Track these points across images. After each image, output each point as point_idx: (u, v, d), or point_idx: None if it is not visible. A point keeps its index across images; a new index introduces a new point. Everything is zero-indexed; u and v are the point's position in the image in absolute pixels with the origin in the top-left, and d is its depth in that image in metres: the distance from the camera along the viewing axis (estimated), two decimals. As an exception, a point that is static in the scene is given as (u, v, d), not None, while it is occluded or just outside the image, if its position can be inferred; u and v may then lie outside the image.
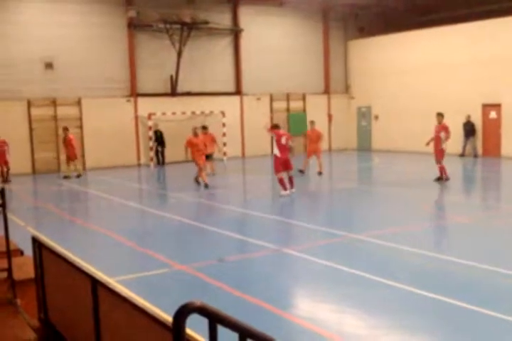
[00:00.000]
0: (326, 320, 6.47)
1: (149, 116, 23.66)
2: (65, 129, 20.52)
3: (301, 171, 19.32)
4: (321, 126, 21.43)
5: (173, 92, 24.78)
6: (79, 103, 22.98)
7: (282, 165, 14.78)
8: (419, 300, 6.93)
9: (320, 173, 19.19)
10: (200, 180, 17.01)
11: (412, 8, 27.82)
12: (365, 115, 29.42)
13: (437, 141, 16.73)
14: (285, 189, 14.88)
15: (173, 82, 24.58)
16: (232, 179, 20.41)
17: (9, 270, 5.15)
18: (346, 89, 30.13)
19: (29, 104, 22.04)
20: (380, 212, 13.22)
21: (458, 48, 24.56)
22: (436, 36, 25.40)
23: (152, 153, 23.94)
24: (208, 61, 25.74)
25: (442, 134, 16.64)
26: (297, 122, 28.10)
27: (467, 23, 23.95)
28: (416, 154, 24.70)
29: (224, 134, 24.84)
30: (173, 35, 23.90)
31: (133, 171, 22.91)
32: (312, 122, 19.85)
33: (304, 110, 28.50)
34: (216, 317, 2.25)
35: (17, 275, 5.19)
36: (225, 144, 24.72)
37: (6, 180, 19.13)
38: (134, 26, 23.89)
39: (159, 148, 24.05)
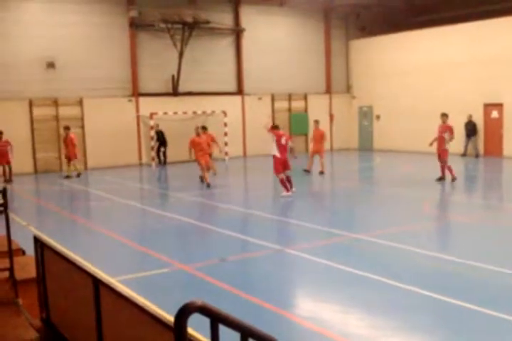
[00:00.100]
0: (327, 319, 6.47)
1: (151, 116, 23.67)
2: (66, 128, 20.53)
3: (307, 171, 19.35)
4: (323, 125, 21.40)
5: (175, 92, 24.80)
6: (80, 103, 22.99)
7: (282, 165, 14.78)
8: (422, 300, 6.93)
9: (322, 173, 19.19)
10: (208, 180, 16.93)
11: (413, 8, 27.83)
12: (366, 115, 29.41)
13: (441, 141, 16.70)
14: (287, 190, 14.87)
15: (175, 81, 24.59)
16: (233, 179, 20.41)
17: (11, 269, 5.16)
18: (348, 88, 30.13)
19: (31, 104, 22.06)
20: (381, 212, 13.21)
21: (459, 48, 24.54)
22: (437, 36, 25.38)
23: (153, 153, 23.96)
24: (210, 61, 25.74)
25: (446, 134, 16.61)
26: (299, 122, 28.12)
27: (468, 22, 23.93)
28: (417, 154, 24.69)
29: (225, 134, 24.86)
30: (174, 35, 23.91)
31: (134, 171, 22.92)
32: (317, 121, 19.83)
33: (306, 110, 28.49)
34: (218, 317, 2.25)
35: (19, 274, 5.20)
36: (226, 144, 24.73)
37: (7, 180, 19.14)
38: (136, 26, 23.90)
39: (162, 148, 24.06)
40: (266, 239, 10.44)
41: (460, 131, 22.92)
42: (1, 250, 5.58)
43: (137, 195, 17.55)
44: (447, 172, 16.64)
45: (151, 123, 23.76)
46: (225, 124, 25.00)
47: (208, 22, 24.61)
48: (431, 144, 17.08)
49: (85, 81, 22.90)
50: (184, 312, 2.15)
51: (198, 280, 8.02)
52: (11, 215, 6.92)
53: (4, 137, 19.44)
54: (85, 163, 23.04)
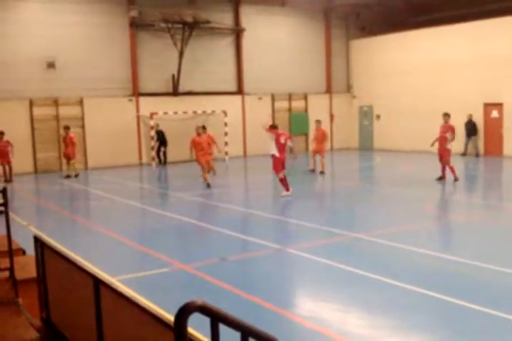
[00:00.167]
0: (328, 319, 6.47)
1: (151, 116, 23.67)
2: (66, 128, 20.52)
3: (312, 170, 19.36)
4: (323, 125, 21.36)
5: (175, 92, 24.80)
6: (81, 103, 23.00)
7: (282, 164, 14.78)
8: (422, 299, 6.93)
9: (322, 173, 19.20)
10: (208, 179, 16.86)
11: (413, 8, 27.81)
12: (366, 114, 29.41)
13: (443, 140, 16.65)
14: (287, 189, 14.87)
15: (175, 81, 24.59)
16: (233, 178, 20.42)
17: (11, 269, 5.16)
18: (348, 88, 30.13)
19: (31, 104, 22.06)
20: (382, 212, 13.22)
21: (460, 48, 24.54)
22: (437, 36, 25.38)
23: (154, 153, 23.97)
24: (210, 60, 25.74)
25: (448, 134, 16.60)
26: (299, 122, 28.12)
27: (468, 22, 23.93)
28: (417, 154, 24.70)
29: (226, 134, 24.87)
30: (174, 35, 23.91)
31: (135, 171, 22.92)
32: (318, 121, 19.79)
33: (306, 110, 28.49)
34: (218, 316, 2.26)
35: (19, 274, 5.20)
36: (226, 143, 24.73)
37: (8, 180, 19.14)
38: (136, 26, 23.90)
39: (162, 148, 24.06)
40: (266, 238, 10.44)
41: (460, 131, 22.90)
42: (1, 250, 5.59)
43: (137, 195, 17.55)
44: (449, 173, 16.59)
45: (151, 123, 23.76)
46: (225, 124, 25.00)
47: (208, 22, 24.60)
48: (432, 145, 17.05)
49: (85, 81, 22.90)
50: (184, 312, 2.16)
51: (198, 279, 8.02)
52: (11, 215, 6.93)
53: (5, 137, 19.46)
54: (85, 163, 23.04)
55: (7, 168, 19.45)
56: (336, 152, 28.12)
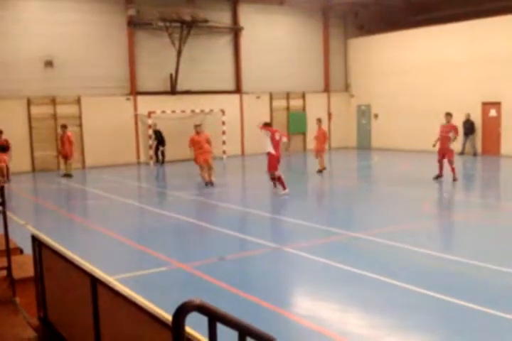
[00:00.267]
0: (326, 318, 6.47)
1: (149, 115, 23.65)
2: (64, 127, 20.45)
3: (320, 170, 19.37)
4: (323, 124, 21.32)
5: (173, 91, 24.78)
6: (78, 101, 22.97)
7: (277, 162, 14.80)
8: (420, 298, 6.93)
9: (320, 172, 19.22)
10: (207, 178, 16.81)
11: (411, 7, 27.82)
12: (364, 113, 29.43)
13: (446, 140, 16.57)
14: (284, 188, 14.88)
15: (173, 80, 24.57)
16: (231, 177, 20.41)
17: (9, 268, 5.15)
18: (346, 87, 30.14)
19: (29, 103, 22.03)
20: (380, 211, 13.22)
21: (458, 47, 24.56)
22: (435, 35, 25.39)
23: (152, 152, 23.96)
24: (208, 59, 25.72)
25: (452, 134, 16.57)
26: (297, 121, 28.13)
27: (467, 21, 23.95)
28: (416, 153, 24.73)
29: (224, 132, 24.87)
30: (172, 34, 23.89)
31: (133, 169, 22.90)
32: (319, 120, 19.72)
33: (304, 109, 28.50)
34: (216, 316, 2.25)
35: (16, 273, 5.19)
36: (224, 142, 24.73)
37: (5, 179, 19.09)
38: (134, 24, 23.87)
39: (160, 147, 24.04)
40: (264, 237, 10.44)
41: (458, 130, 22.91)
42: (-2, 249, 5.57)
43: (135, 194, 17.54)
44: (449, 172, 16.55)
45: (149, 121, 23.75)
46: (223, 123, 25.00)
47: (206, 21, 24.59)
48: (434, 145, 16.98)
49: (83, 79, 22.87)
50: (182, 311, 2.15)
51: (196, 278, 8.02)
52: (9, 214, 6.91)
53: (3, 136, 19.42)
54: (83, 162, 23.01)
55: (4, 166, 19.40)
56: (334, 151, 28.12)
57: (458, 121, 22.99)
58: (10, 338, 4.20)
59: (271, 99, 27.58)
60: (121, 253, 9.83)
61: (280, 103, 27.87)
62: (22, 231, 10.20)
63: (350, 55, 29.89)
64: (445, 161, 16.63)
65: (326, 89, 29.44)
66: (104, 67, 23.37)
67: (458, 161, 21.62)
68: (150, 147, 23.97)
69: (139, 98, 24.25)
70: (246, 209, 13.83)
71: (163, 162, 24.08)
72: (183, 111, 24.52)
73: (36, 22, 22.07)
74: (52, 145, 22.45)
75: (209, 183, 16.56)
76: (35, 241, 4.67)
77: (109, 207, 14.56)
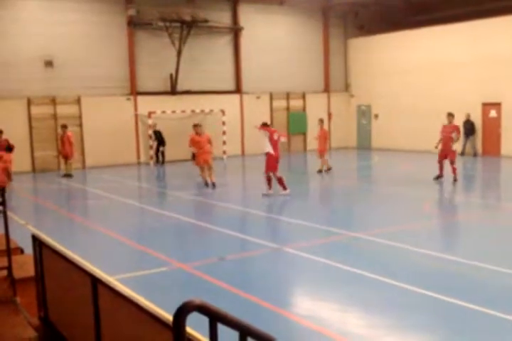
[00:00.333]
0: (326, 318, 6.47)
1: (149, 115, 23.65)
2: (64, 127, 20.44)
3: (328, 169, 19.38)
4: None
5: (173, 91, 24.77)
6: (78, 101, 22.97)
7: (277, 162, 14.80)
8: (420, 298, 6.94)
9: (320, 172, 19.23)
10: (207, 178, 16.80)
11: (412, 7, 27.81)
12: (365, 113, 29.42)
13: (448, 141, 16.50)
14: (285, 188, 14.89)
15: (173, 80, 24.57)
16: (231, 177, 20.41)
17: (9, 268, 5.15)
18: (346, 87, 30.13)
19: (29, 103, 22.03)
20: (380, 211, 13.22)
21: (458, 47, 24.54)
22: (436, 35, 25.38)
23: (152, 152, 23.96)
24: (208, 59, 25.72)
25: (454, 135, 16.53)
26: (297, 121, 28.12)
27: (467, 21, 23.92)
28: (416, 153, 24.72)
29: (224, 133, 24.86)
30: (172, 34, 23.89)
31: (133, 169, 22.90)
32: (321, 120, 19.71)
33: (304, 109, 28.50)
34: (216, 316, 2.25)
35: (17, 273, 5.20)
36: (224, 142, 24.73)
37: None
38: (134, 24, 23.86)
39: (160, 148, 24.03)
40: (264, 237, 10.45)
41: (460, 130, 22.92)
42: (-1, 249, 5.58)
43: (135, 194, 17.54)
44: (450, 172, 16.51)
45: (150, 122, 23.75)
46: (224, 123, 24.99)
47: (206, 21, 24.59)
48: (436, 147, 16.92)
49: (83, 79, 22.87)
50: (183, 311, 2.16)
51: (197, 279, 8.02)
52: (10, 214, 6.92)
53: (4, 136, 19.41)
54: (83, 162, 23.01)
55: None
56: (334, 151, 28.11)
57: (458, 122, 23.00)
58: (10, 338, 4.20)
59: (271, 99, 27.58)
60: (122, 253, 9.83)
61: (280, 103, 27.86)
62: (22, 231, 10.20)
63: (350, 55, 29.88)
64: (446, 161, 16.60)
65: (326, 89, 29.44)
66: (104, 67, 23.37)
67: (458, 162, 21.57)
68: (150, 147, 23.97)
69: (139, 98, 24.25)
70: (246, 209, 13.83)
71: (163, 162, 24.08)
72: (183, 112, 24.52)
73: (35, 22, 22.06)
74: (52, 146, 22.45)
75: (211, 184, 16.52)
76: (36, 241, 4.68)
77: (109, 207, 14.57)
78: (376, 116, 28.72)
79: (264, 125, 15.22)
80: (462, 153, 23.98)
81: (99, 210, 14.44)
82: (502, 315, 6.22)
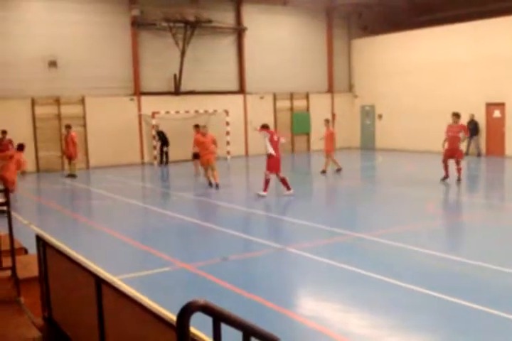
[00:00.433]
0: (329, 318, 6.47)
1: (153, 115, 23.68)
2: (68, 127, 20.45)
3: (338, 170, 19.36)
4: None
5: (177, 91, 24.79)
6: (82, 102, 23.01)
7: (279, 163, 14.80)
8: (424, 299, 6.92)
9: (324, 172, 19.22)
10: (210, 179, 16.80)
11: (415, 7, 27.77)
12: (368, 114, 29.39)
13: (456, 140, 16.36)
14: (288, 188, 14.89)
15: (177, 80, 24.59)
16: (235, 178, 20.41)
17: (13, 268, 5.16)
18: (350, 88, 30.10)
19: (33, 103, 22.08)
20: (384, 211, 13.20)
21: (462, 47, 24.51)
22: (439, 35, 25.35)
23: (156, 152, 23.99)
24: (212, 60, 25.74)
25: (462, 134, 16.45)
26: (301, 121, 28.11)
27: (470, 22, 23.89)
28: (420, 153, 24.68)
29: (227, 133, 24.88)
30: (176, 34, 23.91)
31: (137, 170, 22.93)
32: (327, 121, 19.69)
33: (308, 109, 28.48)
34: (220, 316, 2.25)
35: (21, 273, 5.21)
36: (228, 143, 24.73)
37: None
38: (138, 25, 23.90)
39: (164, 148, 24.06)
40: (268, 238, 10.44)
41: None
42: (3, 249, 5.58)
43: (139, 194, 17.56)
44: (455, 172, 16.41)
45: (153, 122, 23.78)
46: (227, 123, 25.01)
47: (210, 21, 24.61)
48: (444, 146, 16.80)
49: (87, 80, 22.91)
50: (186, 311, 2.15)
51: (200, 279, 8.02)
52: (13, 214, 6.93)
53: (8, 136, 19.48)
54: (87, 162, 23.06)
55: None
56: (338, 151, 28.02)
57: (462, 122, 22.96)
58: (15, 338, 4.21)
59: (274, 99, 27.57)
60: (125, 254, 9.84)
61: (284, 103, 27.85)
62: (26, 231, 10.24)
63: (353, 55, 29.86)
64: (450, 161, 16.49)
65: (330, 89, 29.42)
66: (108, 68, 23.41)
67: (462, 162, 21.59)
68: (154, 147, 24.00)
69: (143, 98, 24.28)
70: (250, 209, 13.83)
71: (167, 162, 24.10)
72: (186, 112, 24.53)
73: (39, 22, 22.12)
74: (56, 146, 22.51)
75: (214, 185, 16.51)
76: (40, 241, 4.68)
77: (113, 207, 14.58)
78: (380, 116, 28.69)
79: (264, 126, 15.23)
80: (466, 153, 23.87)
81: (103, 210, 14.46)
82: (506, 315, 6.20)
